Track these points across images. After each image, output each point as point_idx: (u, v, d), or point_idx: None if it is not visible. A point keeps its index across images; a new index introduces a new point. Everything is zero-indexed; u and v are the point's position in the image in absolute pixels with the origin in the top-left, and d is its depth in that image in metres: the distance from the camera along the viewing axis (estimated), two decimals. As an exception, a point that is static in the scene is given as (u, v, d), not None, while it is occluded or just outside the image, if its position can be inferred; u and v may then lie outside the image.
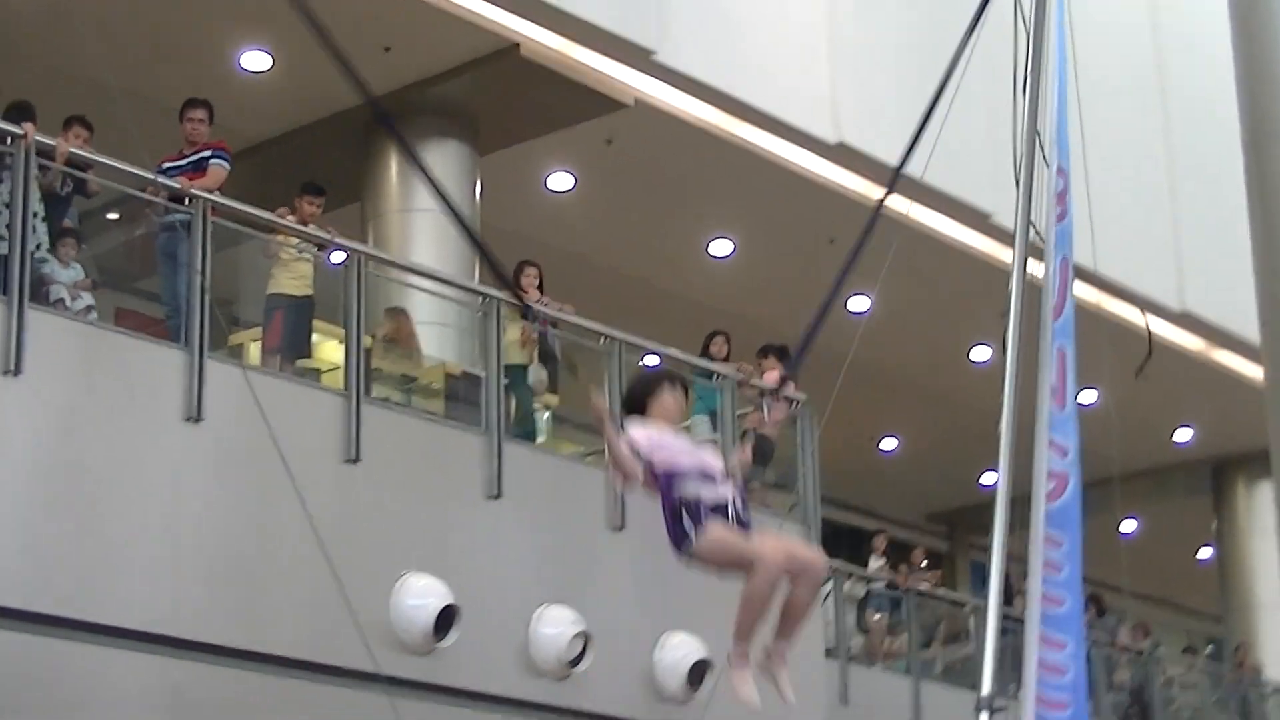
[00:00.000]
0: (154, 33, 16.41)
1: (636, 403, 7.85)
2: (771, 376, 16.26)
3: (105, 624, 10.65)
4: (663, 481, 7.55)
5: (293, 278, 13.26)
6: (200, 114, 13.10)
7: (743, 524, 7.60)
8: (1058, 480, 10.30)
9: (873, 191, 20.31)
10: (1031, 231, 10.93)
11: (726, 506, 7.57)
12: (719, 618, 13.56)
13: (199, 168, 12.63)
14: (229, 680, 11.18)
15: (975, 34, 10.65)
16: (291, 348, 13.26)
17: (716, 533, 7.54)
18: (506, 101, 17.79)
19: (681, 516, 7.52)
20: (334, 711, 11.67)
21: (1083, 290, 11.54)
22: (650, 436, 7.59)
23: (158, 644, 10.85)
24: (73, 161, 11.94)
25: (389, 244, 17.29)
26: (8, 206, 11.11)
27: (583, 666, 12.98)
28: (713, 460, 7.66)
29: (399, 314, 14.68)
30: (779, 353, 16.59)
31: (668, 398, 7.81)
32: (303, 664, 11.54)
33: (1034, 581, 10.03)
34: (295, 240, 13.30)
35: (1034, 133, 10.96)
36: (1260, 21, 14.96)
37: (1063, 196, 11.06)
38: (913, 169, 10.58)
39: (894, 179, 10.34)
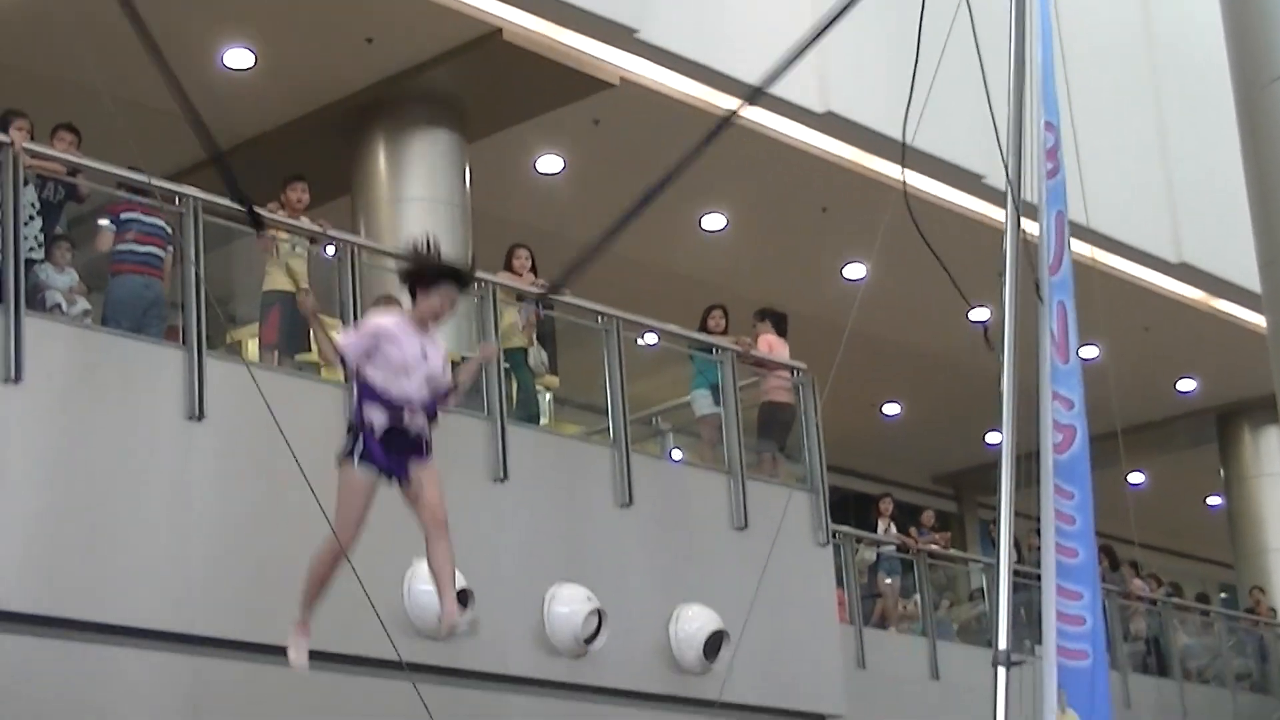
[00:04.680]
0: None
1: (411, 281, 8.04)
2: (767, 341, 16.26)
3: (118, 624, 10.64)
4: (357, 391, 7.94)
5: (286, 275, 13.23)
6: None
7: (416, 452, 7.99)
8: (1065, 433, 10.32)
9: (862, 158, 20.31)
10: (1026, 190, 10.95)
11: (403, 434, 7.93)
12: (732, 589, 13.64)
13: None
14: (246, 675, 11.18)
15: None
16: (290, 343, 13.23)
17: (349, 482, 8.02)
18: (492, 87, 17.78)
19: (352, 431, 7.95)
20: (353, 700, 11.68)
21: (1079, 246, 11.53)
22: (382, 333, 7.90)
23: (172, 642, 10.86)
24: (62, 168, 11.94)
25: (381, 234, 17.28)
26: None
27: (599, 643, 12.99)
28: (427, 381, 7.99)
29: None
30: (775, 318, 16.59)
31: (435, 299, 7.95)
32: (319, 654, 11.52)
33: (1047, 534, 10.05)
34: (286, 235, 13.27)
35: (1020, 90, 10.97)
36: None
37: (1053, 152, 11.10)
38: (903, 134, 10.60)
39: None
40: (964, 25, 12.34)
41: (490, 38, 17.14)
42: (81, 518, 10.68)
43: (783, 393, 15.98)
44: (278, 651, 11.21)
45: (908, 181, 11.09)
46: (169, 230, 12.33)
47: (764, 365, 16.02)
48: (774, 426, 15.81)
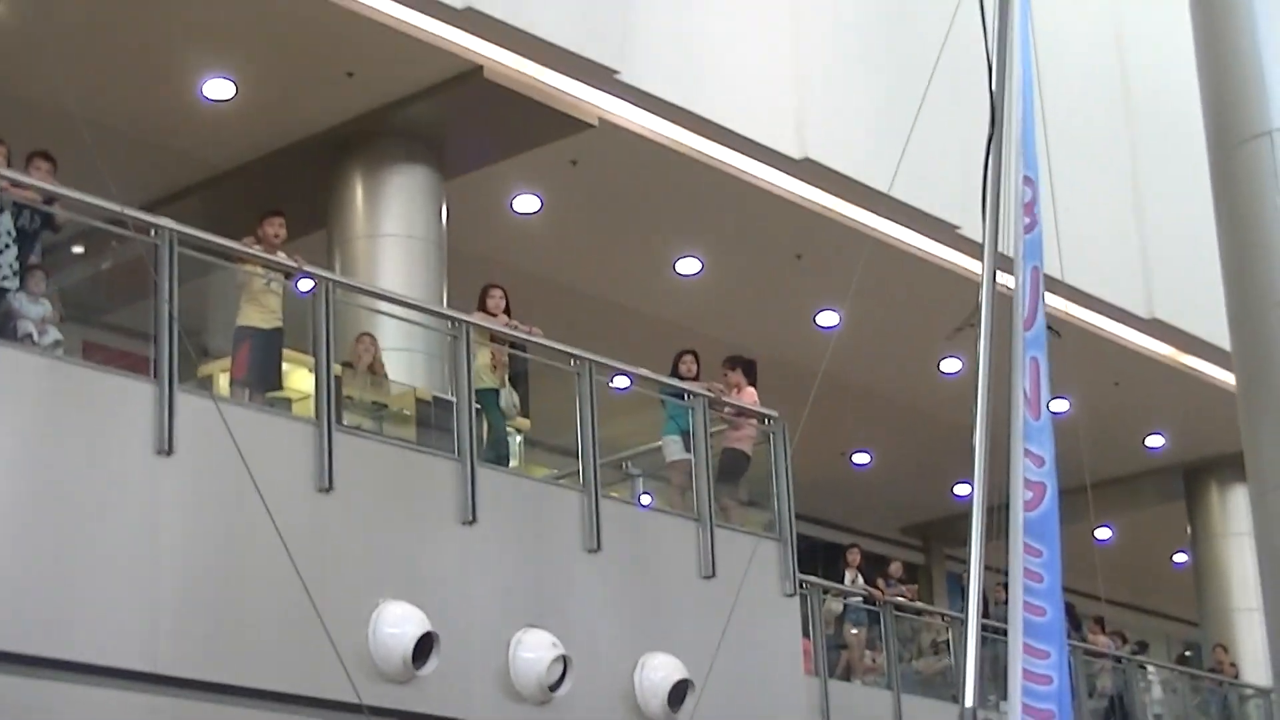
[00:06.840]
0: (117, 63, 16.35)
1: None
2: (751, 393, 16.25)
3: (82, 662, 10.54)
4: None
5: (260, 310, 13.17)
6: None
7: None
8: (1035, 490, 10.30)
9: (838, 205, 20.32)
10: (1002, 243, 10.94)
11: None
12: (698, 638, 13.58)
13: None
14: (211, 715, 11.09)
15: (942, 51, 10.67)
16: (261, 379, 13.16)
17: None
18: (471, 124, 17.77)
19: None
20: (314, 743, 11.59)
21: (1051, 300, 11.53)
22: None
23: (138, 680, 10.76)
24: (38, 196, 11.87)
25: (356, 270, 17.24)
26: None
27: (563, 690, 12.91)
28: None
29: (364, 339, 14.59)
30: (745, 366, 16.56)
31: None
32: (282, 696, 11.45)
33: (1015, 591, 10.03)
34: (262, 270, 13.21)
35: (1000, 145, 10.97)
36: (1223, 28, 15.00)
37: (1031, 206, 11.10)
38: (881, 183, 10.60)
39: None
40: (946, 76, 12.37)
41: (471, 75, 17.13)
42: (48, 552, 10.58)
43: (742, 441, 15.96)
44: (243, 692, 11.18)
45: (882, 230, 11.06)
46: None
47: (740, 413, 15.99)
48: (732, 473, 15.79)
